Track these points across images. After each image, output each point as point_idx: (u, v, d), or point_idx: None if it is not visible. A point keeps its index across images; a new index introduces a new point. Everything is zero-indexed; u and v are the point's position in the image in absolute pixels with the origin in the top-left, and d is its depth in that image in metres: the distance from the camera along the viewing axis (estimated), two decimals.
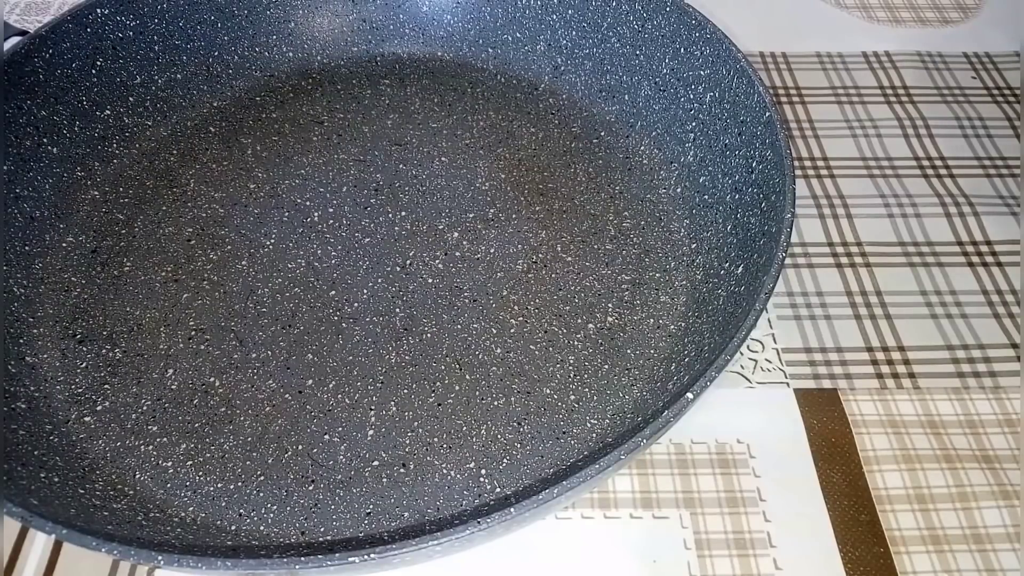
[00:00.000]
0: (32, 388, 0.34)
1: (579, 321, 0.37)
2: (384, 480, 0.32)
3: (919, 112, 0.49)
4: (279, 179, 0.43)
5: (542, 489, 0.25)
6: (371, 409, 0.34)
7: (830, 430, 0.35)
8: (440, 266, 0.39)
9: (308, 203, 0.42)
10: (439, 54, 0.49)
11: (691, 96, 0.41)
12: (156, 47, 0.45)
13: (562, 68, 0.47)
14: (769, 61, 0.52)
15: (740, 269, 0.35)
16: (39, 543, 0.32)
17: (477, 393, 0.35)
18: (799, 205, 0.43)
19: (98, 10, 0.42)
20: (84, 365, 0.35)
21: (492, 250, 0.40)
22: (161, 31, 0.45)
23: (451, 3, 0.49)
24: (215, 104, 0.47)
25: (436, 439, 0.33)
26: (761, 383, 0.37)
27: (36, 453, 0.31)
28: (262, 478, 0.32)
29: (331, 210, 0.42)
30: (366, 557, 0.24)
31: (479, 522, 0.24)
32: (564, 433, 0.33)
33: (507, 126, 0.46)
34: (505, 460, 0.33)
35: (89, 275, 0.39)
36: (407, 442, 0.33)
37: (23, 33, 0.52)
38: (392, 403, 0.34)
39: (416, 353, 0.36)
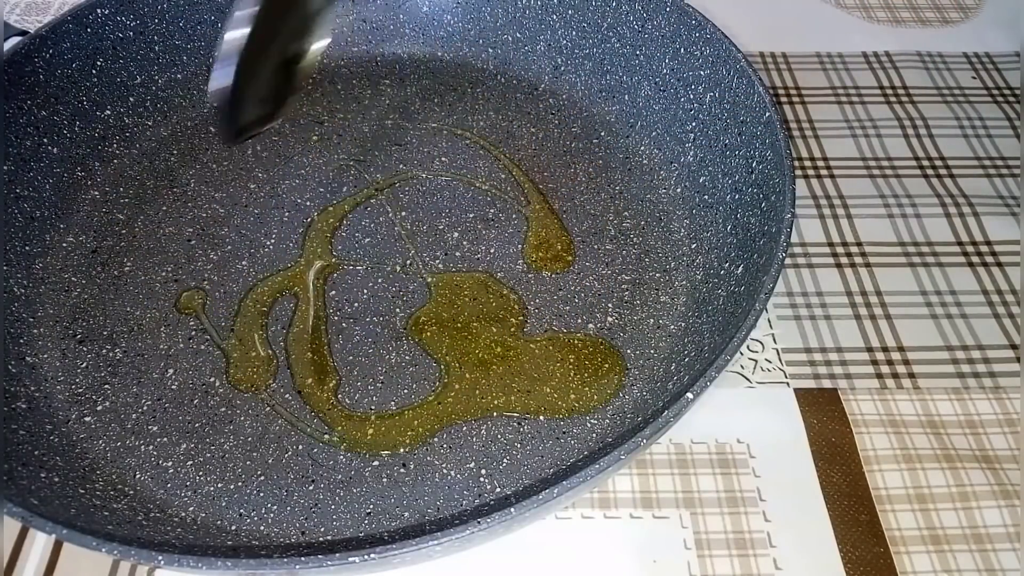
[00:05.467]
0: (32, 388, 0.34)
1: (579, 321, 0.37)
2: (384, 480, 0.32)
3: (919, 112, 0.49)
4: (279, 179, 0.43)
5: (542, 489, 0.25)
6: (371, 409, 0.34)
7: (830, 430, 0.35)
8: (440, 266, 0.39)
9: (308, 203, 0.42)
10: (439, 54, 0.49)
11: (691, 96, 0.41)
12: (156, 47, 0.45)
13: (562, 68, 0.47)
14: (769, 61, 0.52)
15: (740, 269, 0.35)
16: (39, 543, 0.32)
17: (477, 393, 0.35)
18: (799, 205, 0.43)
19: (98, 10, 0.42)
20: (84, 365, 0.35)
21: (492, 250, 0.40)
22: (161, 31, 0.45)
23: (451, 3, 0.49)
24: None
25: (436, 439, 0.33)
26: (761, 383, 0.37)
27: (36, 453, 0.31)
28: (262, 478, 0.32)
29: (331, 209, 0.42)
30: (366, 557, 0.24)
31: (479, 522, 0.24)
32: (564, 433, 0.33)
33: (507, 126, 0.46)
34: (505, 460, 0.33)
35: (89, 275, 0.39)
36: (407, 442, 0.33)
37: (23, 33, 0.52)
38: (392, 403, 0.34)
39: (416, 353, 0.36)
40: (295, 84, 0.31)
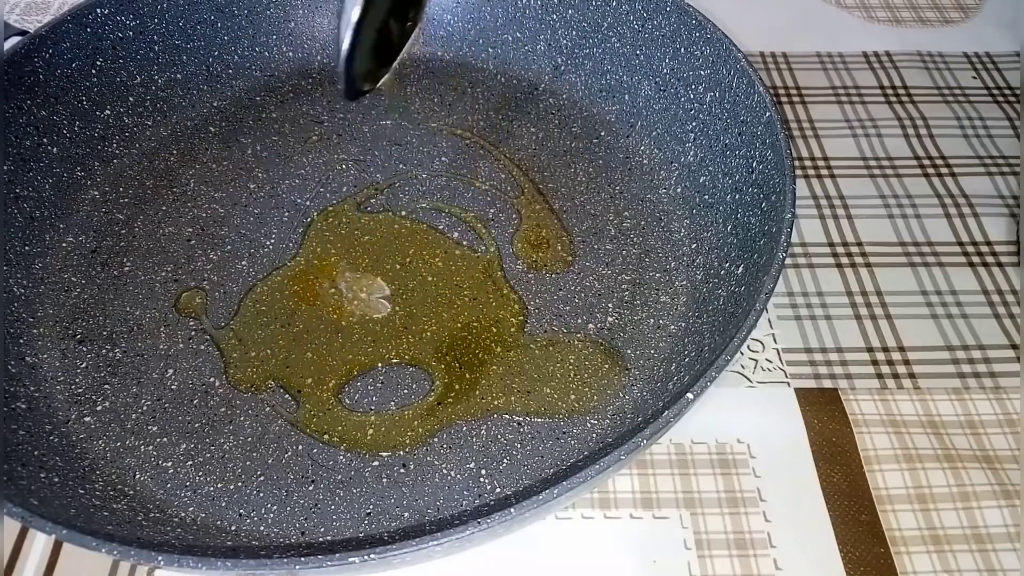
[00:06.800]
0: (32, 388, 0.34)
1: (579, 321, 0.37)
2: (384, 480, 0.32)
3: (919, 112, 0.49)
4: (279, 179, 0.43)
5: (542, 489, 0.25)
6: (371, 409, 0.34)
7: (831, 430, 0.35)
8: (440, 264, 0.39)
9: (308, 203, 0.42)
10: (439, 54, 0.49)
11: (691, 96, 0.41)
12: (156, 47, 0.45)
13: (562, 68, 0.47)
14: (769, 61, 0.52)
15: (740, 269, 0.35)
16: (39, 543, 0.32)
17: (477, 393, 0.35)
18: (799, 205, 0.43)
19: (98, 10, 0.42)
20: (84, 365, 0.35)
21: (492, 250, 0.40)
22: (161, 31, 0.45)
23: (451, 3, 0.49)
24: (215, 104, 0.47)
25: (436, 439, 0.33)
26: (761, 383, 0.37)
27: (36, 453, 0.31)
28: (262, 478, 0.32)
29: (331, 209, 0.42)
30: (366, 557, 0.24)
31: (479, 522, 0.24)
32: (564, 433, 0.33)
33: (507, 126, 0.46)
34: (505, 460, 0.33)
35: (89, 275, 0.39)
36: (407, 442, 0.33)
37: (23, 33, 0.52)
38: (392, 403, 0.34)
39: (416, 352, 0.36)
40: (405, 35, 0.34)
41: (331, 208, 0.42)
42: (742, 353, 0.38)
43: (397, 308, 0.38)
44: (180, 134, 0.45)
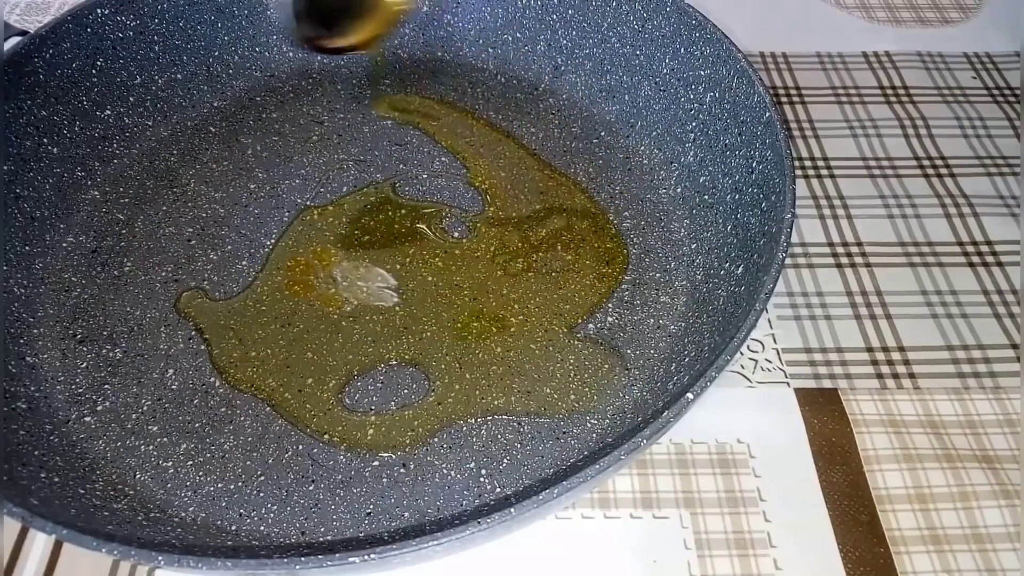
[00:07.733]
0: (32, 388, 0.34)
1: (579, 321, 0.37)
2: (384, 480, 0.32)
3: (919, 112, 0.49)
4: (279, 179, 0.43)
5: (542, 489, 0.25)
6: (371, 409, 0.34)
7: (830, 430, 0.35)
8: (440, 264, 0.39)
9: (308, 203, 0.42)
10: (439, 54, 0.49)
11: (691, 96, 0.41)
12: (156, 47, 0.45)
13: (562, 68, 0.47)
14: (769, 61, 0.52)
15: (740, 269, 0.35)
16: (39, 543, 0.32)
17: (477, 393, 0.35)
18: (799, 205, 0.43)
19: (98, 10, 0.42)
20: (84, 365, 0.35)
21: (492, 249, 0.40)
22: (161, 31, 0.45)
23: (451, 3, 0.49)
24: (215, 104, 0.47)
25: (436, 439, 0.33)
26: (761, 383, 0.37)
27: (36, 453, 0.31)
28: (262, 478, 0.32)
29: (331, 209, 0.42)
30: (366, 557, 0.24)
31: (479, 522, 0.24)
32: (564, 433, 0.33)
33: (507, 126, 0.46)
34: (505, 460, 0.33)
35: (89, 275, 0.39)
36: (407, 442, 0.33)
37: (23, 33, 0.52)
38: (392, 403, 0.34)
39: (416, 352, 0.36)
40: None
41: (331, 208, 0.42)
42: (742, 353, 0.38)
43: (397, 308, 0.38)
44: (180, 134, 0.45)
